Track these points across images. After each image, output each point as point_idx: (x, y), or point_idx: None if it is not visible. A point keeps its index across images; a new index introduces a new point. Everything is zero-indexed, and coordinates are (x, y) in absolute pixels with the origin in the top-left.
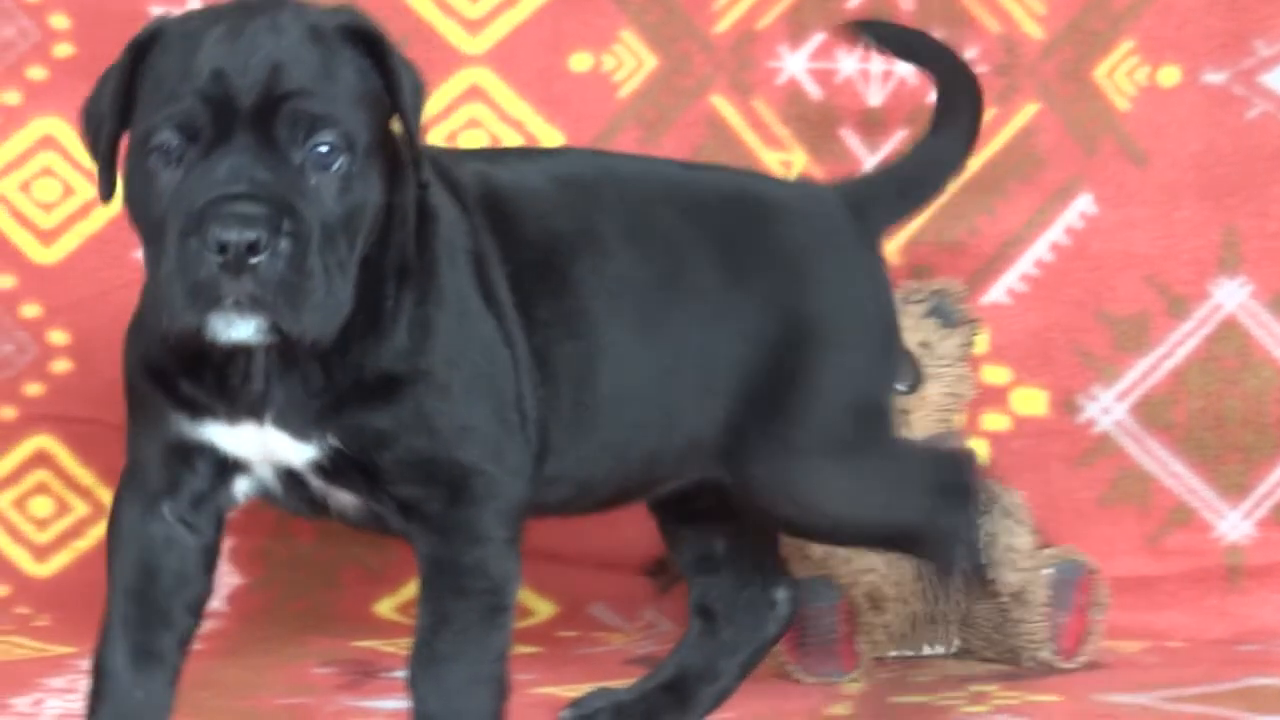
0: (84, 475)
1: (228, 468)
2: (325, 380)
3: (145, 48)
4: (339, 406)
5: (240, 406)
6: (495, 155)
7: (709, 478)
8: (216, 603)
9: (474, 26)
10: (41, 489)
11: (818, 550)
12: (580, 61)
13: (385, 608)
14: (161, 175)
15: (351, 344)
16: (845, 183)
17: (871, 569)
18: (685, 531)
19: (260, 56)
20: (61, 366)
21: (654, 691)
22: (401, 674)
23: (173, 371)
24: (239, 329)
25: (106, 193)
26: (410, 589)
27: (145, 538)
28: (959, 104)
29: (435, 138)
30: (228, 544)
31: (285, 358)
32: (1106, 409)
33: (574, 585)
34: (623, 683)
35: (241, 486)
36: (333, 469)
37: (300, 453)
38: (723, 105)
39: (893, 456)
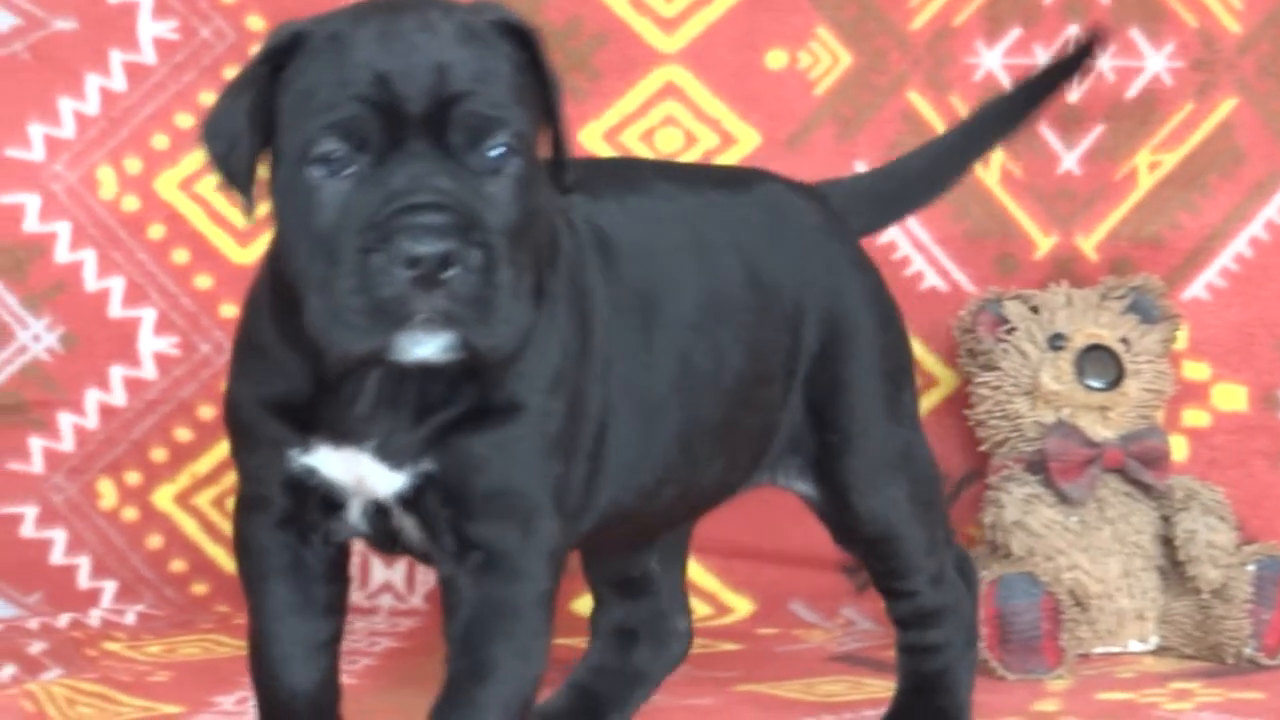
0: None
1: (331, 499)
2: (446, 403)
3: (284, 55)
4: (448, 432)
5: (344, 429)
6: (593, 188)
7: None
8: (416, 600)
9: (669, 25)
10: None
11: (1018, 547)
12: (776, 59)
13: (583, 605)
14: (325, 187)
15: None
16: (839, 183)
17: (1075, 565)
18: (606, 554)
19: (422, 57)
20: None
21: (562, 717)
22: None
23: (294, 398)
24: (426, 347)
25: (251, 212)
26: None
27: (275, 557)
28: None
29: (631, 137)
30: None
31: (396, 383)
32: None
33: (772, 582)
34: (809, 682)
35: (344, 521)
36: (416, 497)
37: (390, 483)
38: (919, 102)
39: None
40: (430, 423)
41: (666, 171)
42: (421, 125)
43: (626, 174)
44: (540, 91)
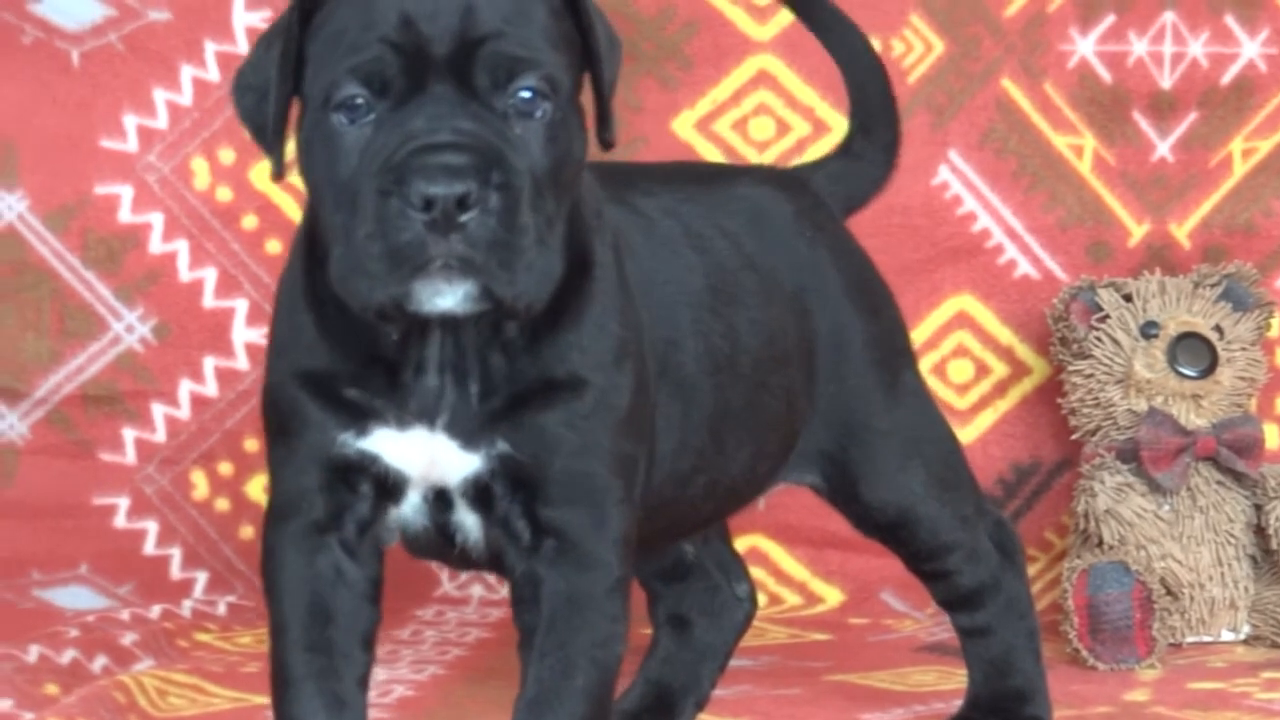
0: None
1: (389, 489)
2: (508, 376)
3: (313, 3)
4: (517, 408)
5: (412, 408)
6: (609, 184)
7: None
8: (506, 591)
9: (761, 13)
10: None
11: (1110, 536)
12: None
13: None
14: (347, 134)
15: (540, 337)
16: (816, 165)
17: (1167, 554)
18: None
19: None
20: None
21: (640, 715)
22: None
23: (336, 376)
24: (447, 297)
25: (280, 168)
26: None
27: (313, 577)
28: (875, 116)
29: (724, 125)
30: None
31: (459, 351)
32: None
33: (861, 572)
34: (900, 672)
35: (396, 517)
36: (490, 485)
37: (464, 465)
38: (1013, 89)
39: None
40: (497, 396)
41: (644, 170)
42: (445, 67)
43: (611, 171)
44: (582, 40)
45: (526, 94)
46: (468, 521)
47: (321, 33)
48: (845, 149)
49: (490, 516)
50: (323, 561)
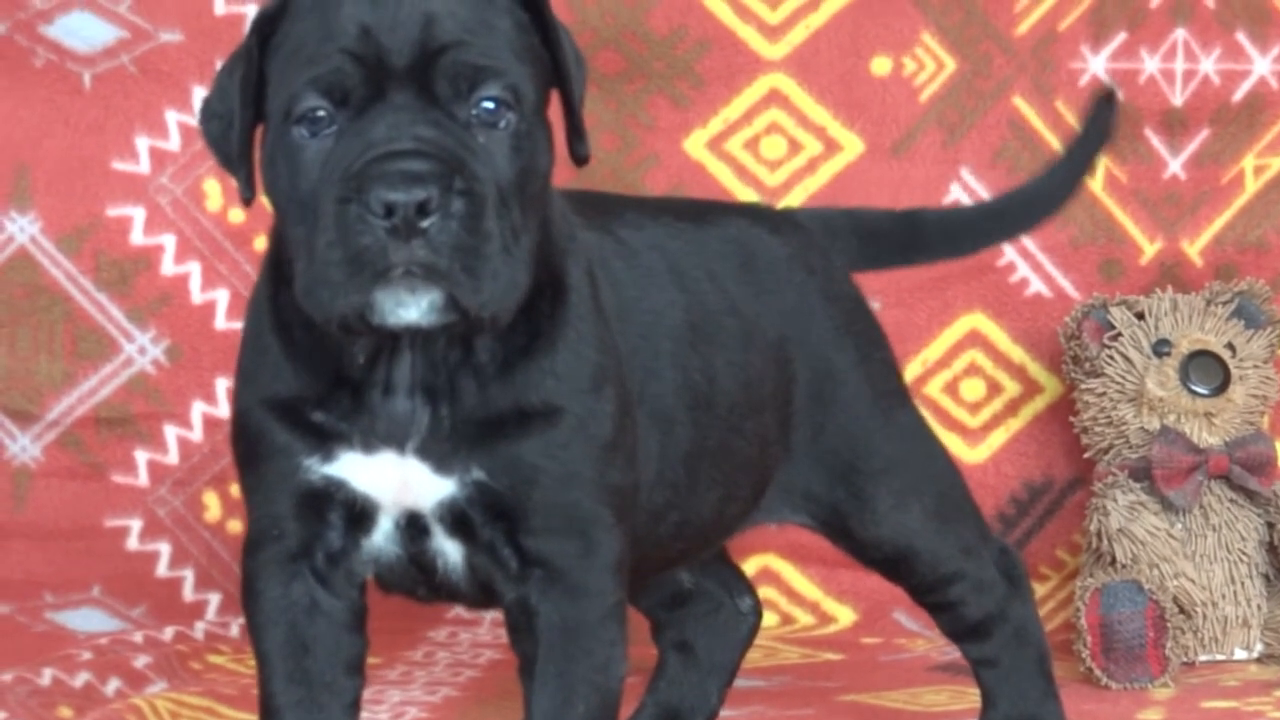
0: None
1: (358, 517)
2: (480, 402)
3: (273, 22)
4: (490, 436)
5: (379, 430)
6: (593, 213)
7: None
8: None
9: (773, 32)
10: None
11: (1122, 555)
12: (880, 65)
13: None
14: (309, 147)
15: (513, 362)
16: (820, 211)
17: (1180, 573)
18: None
19: (409, 9)
20: None
21: None
22: None
23: (303, 399)
24: (410, 308)
25: (249, 192)
26: None
27: (290, 608)
28: (1021, 214)
29: (735, 145)
30: None
31: (432, 372)
32: None
33: (873, 591)
34: (913, 692)
35: (369, 547)
36: (466, 511)
37: (437, 489)
38: (1024, 107)
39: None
40: (470, 422)
41: (632, 202)
42: (406, 77)
43: (595, 201)
44: (550, 56)
45: (490, 104)
46: (447, 548)
47: (280, 51)
48: (914, 215)
49: (474, 544)
50: (297, 591)
